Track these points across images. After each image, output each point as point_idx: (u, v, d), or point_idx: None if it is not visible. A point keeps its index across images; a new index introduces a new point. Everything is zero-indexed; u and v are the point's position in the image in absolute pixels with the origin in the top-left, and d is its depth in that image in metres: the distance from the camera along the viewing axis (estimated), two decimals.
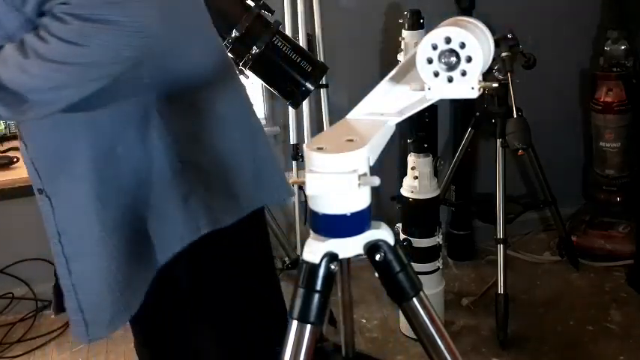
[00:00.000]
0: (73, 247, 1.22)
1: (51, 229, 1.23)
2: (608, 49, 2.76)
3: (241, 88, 1.34)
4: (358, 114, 0.90)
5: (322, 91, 2.61)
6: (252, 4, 1.83)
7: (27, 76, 1.01)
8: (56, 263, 1.25)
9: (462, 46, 0.77)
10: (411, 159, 2.30)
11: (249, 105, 1.33)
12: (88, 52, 0.99)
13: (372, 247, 0.84)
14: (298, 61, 1.82)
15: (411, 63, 0.82)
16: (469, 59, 0.77)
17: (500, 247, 2.38)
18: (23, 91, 1.02)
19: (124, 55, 1.02)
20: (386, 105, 0.89)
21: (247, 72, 1.90)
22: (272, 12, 1.87)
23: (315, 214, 0.81)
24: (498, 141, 2.42)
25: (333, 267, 0.82)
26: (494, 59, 2.01)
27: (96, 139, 1.14)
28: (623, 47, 2.73)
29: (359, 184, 0.77)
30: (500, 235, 2.39)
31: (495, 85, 0.93)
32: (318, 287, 0.82)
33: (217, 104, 1.24)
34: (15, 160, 1.90)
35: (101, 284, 1.21)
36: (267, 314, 1.40)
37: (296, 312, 0.83)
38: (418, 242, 2.31)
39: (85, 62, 1.01)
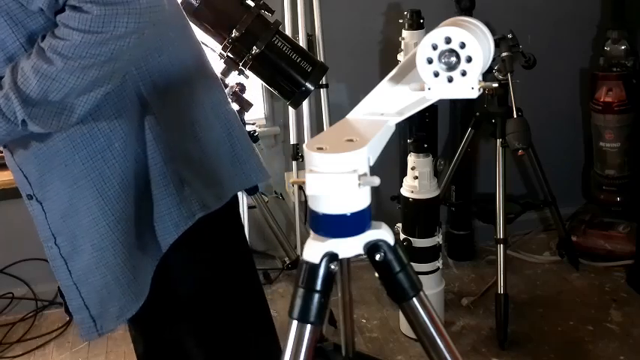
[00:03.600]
0: (72, 246, 1.22)
1: (45, 232, 1.22)
2: (608, 49, 2.76)
3: (215, 76, 1.37)
4: (358, 114, 0.90)
5: (322, 91, 2.61)
6: (252, 4, 1.83)
7: (58, 83, 1.00)
8: (54, 267, 1.24)
9: (462, 46, 0.77)
10: (411, 159, 2.30)
11: (223, 93, 1.36)
12: (112, 37, 0.98)
13: (372, 247, 0.84)
14: (298, 61, 1.81)
15: (411, 63, 0.82)
16: (469, 59, 0.78)
17: (500, 247, 2.38)
18: (58, 98, 1.02)
19: (145, 34, 1.02)
20: (386, 105, 0.89)
21: (247, 72, 1.89)
22: (272, 12, 1.87)
23: (315, 213, 0.81)
24: (498, 141, 2.42)
25: (333, 267, 0.82)
26: (494, 59, 2.01)
27: (93, 138, 1.14)
28: (623, 47, 2.73)
29: (359, 184, 0.77)
30: (500, 235, 2.39)
31: (495, 85, 0.93)
32: (318, 287, 0.82)
33: (198, 94, 1.26)
34: None
35: (107, 278, 1.22)
36: (247, 305, 1.44)
37: (296, 312, 0.83)
38: (418, 242, 2.31)
39: (111, 50, 1.00)
